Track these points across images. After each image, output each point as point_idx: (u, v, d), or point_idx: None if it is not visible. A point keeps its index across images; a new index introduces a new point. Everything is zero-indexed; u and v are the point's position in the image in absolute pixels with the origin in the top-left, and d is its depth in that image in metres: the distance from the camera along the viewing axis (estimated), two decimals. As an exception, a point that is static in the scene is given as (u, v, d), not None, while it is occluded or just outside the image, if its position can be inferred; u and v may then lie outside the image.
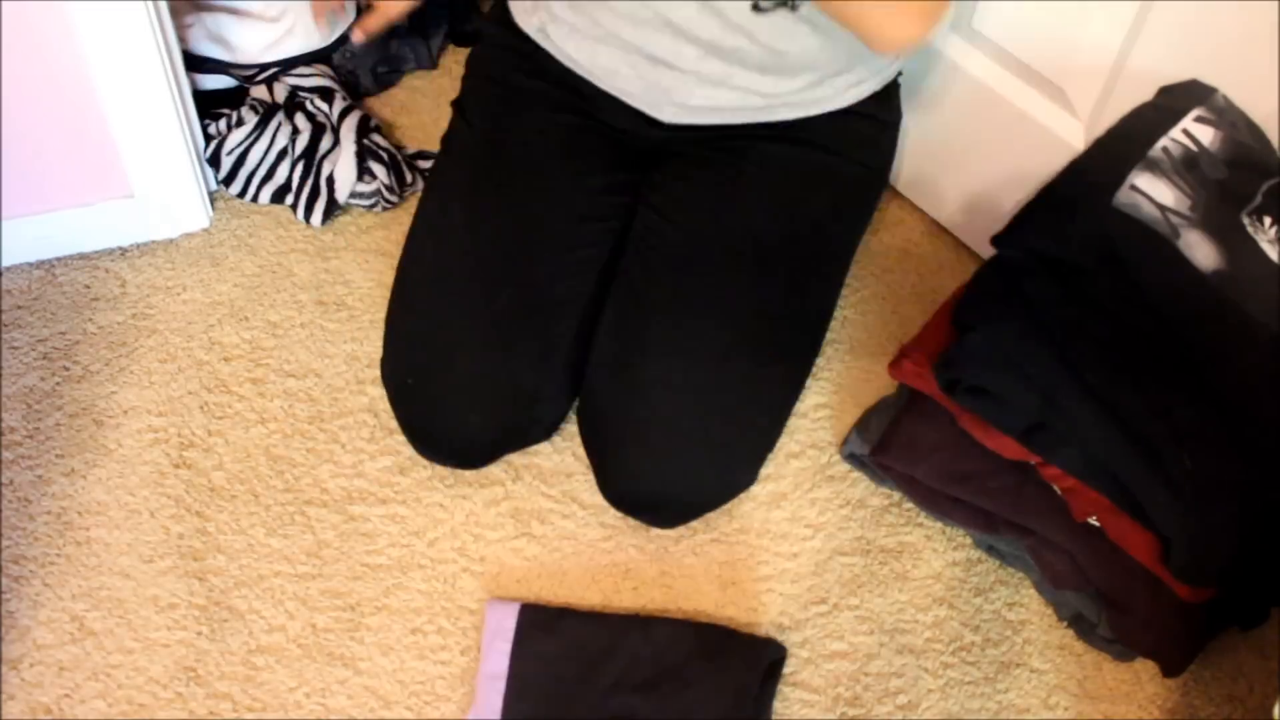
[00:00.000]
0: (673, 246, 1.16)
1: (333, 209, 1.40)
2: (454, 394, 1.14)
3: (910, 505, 1.23)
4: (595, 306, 1.18)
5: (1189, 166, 1.06)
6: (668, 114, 1.17)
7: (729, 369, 1.12)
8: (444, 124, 1.27)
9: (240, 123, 1.40)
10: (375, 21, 1.22)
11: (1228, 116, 1.09)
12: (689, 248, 1.16)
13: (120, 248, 1.39)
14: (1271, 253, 1.04)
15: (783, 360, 1.18)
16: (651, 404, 1.11)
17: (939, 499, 1.17)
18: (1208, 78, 1.10)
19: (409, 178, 1.43)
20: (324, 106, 1.43)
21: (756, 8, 1.05)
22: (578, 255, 1.18)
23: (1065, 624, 1.16)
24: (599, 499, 1.19)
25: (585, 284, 1.17)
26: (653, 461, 1.12)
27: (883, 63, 1.19)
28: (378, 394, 1.27)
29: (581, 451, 1.21)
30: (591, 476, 1.19)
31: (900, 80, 1.27)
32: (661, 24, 1.09)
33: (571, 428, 1.24)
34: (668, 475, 1.12)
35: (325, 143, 1.41)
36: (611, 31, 1.12)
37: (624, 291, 1.17)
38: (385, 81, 1.56)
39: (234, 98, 1.46)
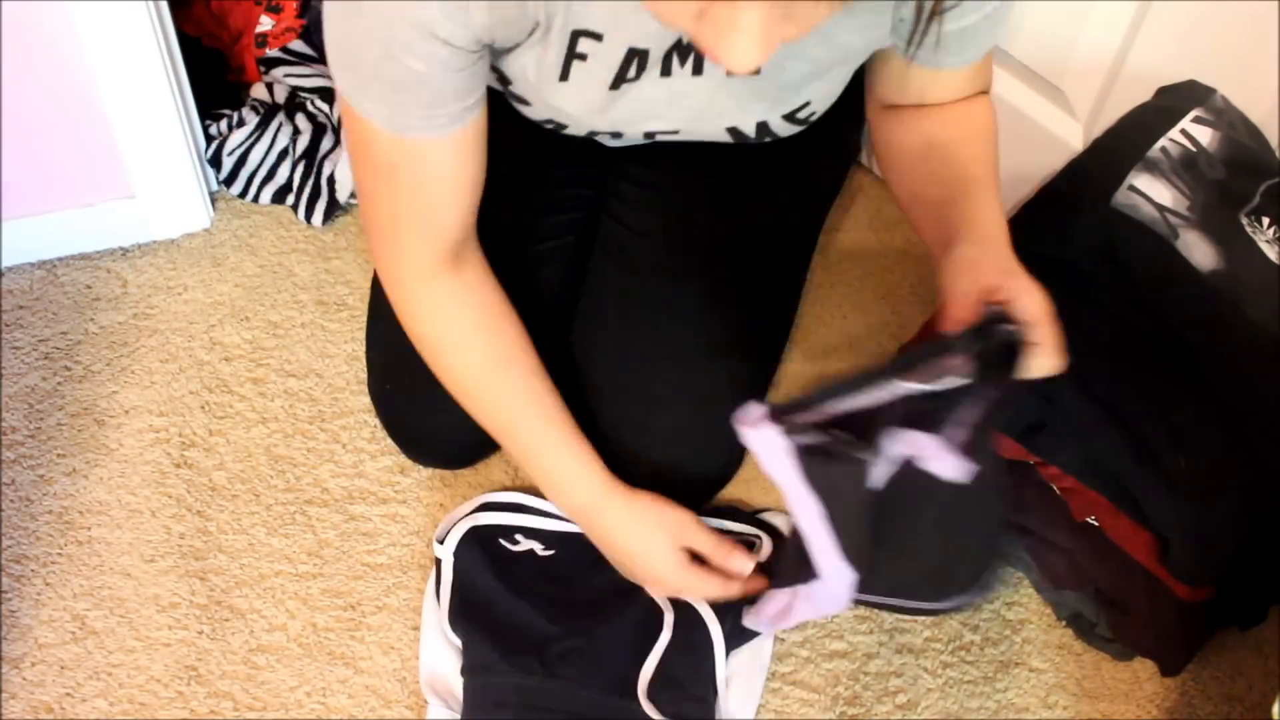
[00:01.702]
0: (634, 249, 1.16)
1: (334, 209, 1.40)
2: (427, 393, 1.13)
3: (910, 505, 1.23)
4: (568, 302, 1.18)
5: (1187, 167, 1.07)
6: (629, 136, 1.11)
7: (693, 367, 1.12)
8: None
9: (241, 123, 1.41)
10: None
11: (1226, 117, 1.09)
12: (651, 251, 1.15)
13: (121, 248, 1.39)
14: (1270, 253, 1.04)
15: (749, 349, 1.17)
16: (611, 406, 1.12)
17: (938, 498, 1.17)
18: (1206, 78, 1.11)
19: (409, 178, 1.43)
20: (325, 107, 1.43)
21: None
22: (539, 249, 1.18)
23: (1064, 623, 1.16)
24: (599, 498, 1.19)
25: (551, 277, 1.18)
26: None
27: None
28: (378, 394, 1.28)
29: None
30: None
31: None
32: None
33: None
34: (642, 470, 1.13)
35: (326, 143, 1.41)
36: None
37: (590, 294, 1.17)
38: (386, 82, 1.56)
39: (234, 98, 1.47)
